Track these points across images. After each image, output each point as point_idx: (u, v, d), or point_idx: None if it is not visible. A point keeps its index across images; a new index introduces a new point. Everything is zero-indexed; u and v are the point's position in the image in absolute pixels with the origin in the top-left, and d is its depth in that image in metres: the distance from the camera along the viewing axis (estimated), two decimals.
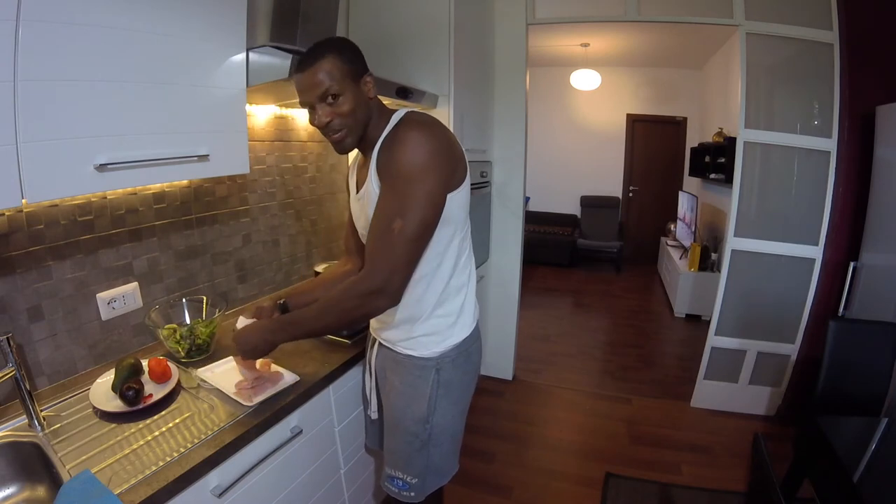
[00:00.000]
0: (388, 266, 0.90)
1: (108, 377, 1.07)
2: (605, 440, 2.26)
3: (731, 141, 3.36)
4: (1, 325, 0.97)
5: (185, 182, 1.34)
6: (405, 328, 1.07)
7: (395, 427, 1.13)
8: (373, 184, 0.97)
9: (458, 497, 1.82)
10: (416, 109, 1.02)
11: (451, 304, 1.06)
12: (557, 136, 5.78)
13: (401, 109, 1.01)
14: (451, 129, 1.92)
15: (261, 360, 1.15)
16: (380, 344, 1.17)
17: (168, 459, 0.84)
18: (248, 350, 1.01)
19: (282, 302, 1.20)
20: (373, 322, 1.17)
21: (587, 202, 5.82)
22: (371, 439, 1.36)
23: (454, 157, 0.96)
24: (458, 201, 0.99)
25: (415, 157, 0.89)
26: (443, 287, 1.04)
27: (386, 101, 1.60)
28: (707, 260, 3.91)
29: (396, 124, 0.97)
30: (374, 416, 1.26)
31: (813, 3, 2.02)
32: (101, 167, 0.87)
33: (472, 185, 2.16)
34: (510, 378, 2.82)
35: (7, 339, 0.88)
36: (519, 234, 2.61)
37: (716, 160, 4.02)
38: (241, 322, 1.11)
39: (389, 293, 0.92)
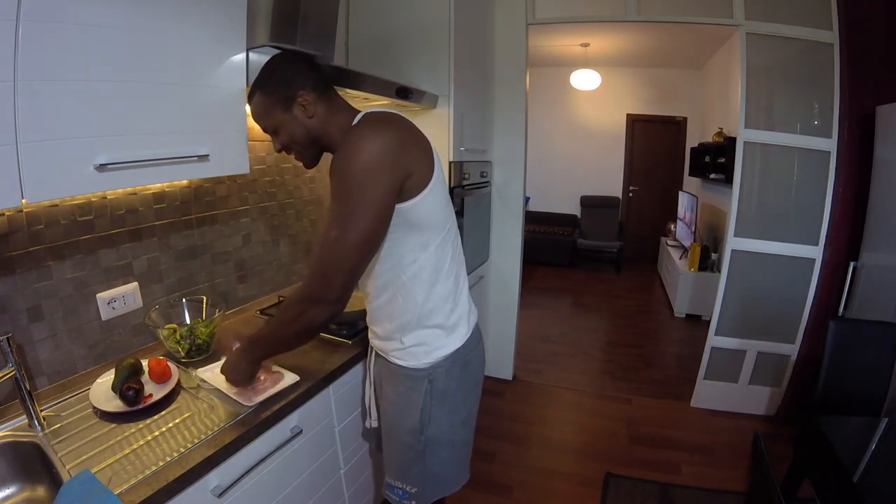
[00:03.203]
0: (324, 274, 0.88)
1: (108, 377, 1.07)
2: (605, 440, 2.26)
3: (731, 141, 3.36)
4: (1, 325, 0.97)
5: (185, 182, 1.34)
6: (396, 339, 1.04)
7: (390, 437, 1.11)
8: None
9: (458, 497, 1.81)
10: (376, 109, 0.98)
11: (440, 314, 1.02)
12: (557, 136, 5.78)
13: (365, 110, 0.97)
14: (451, 130, 1.94)
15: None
16: (376, 353, 1.15)
17: (168, 459, 0.84)
18: (239, 381, 1.04)
19: None
20: (369, 332, 1.15)
21: (587, 202, 5.82)
22: (374, 443, 1.35)
23: (407, 160, 0.89)
24: (426, 206, 0.93)
25: (354, 163, 0.85)
26: (424, 297, 0.99)
27: (385, 101, 1.60)
28: (707, 260, 3.91)
29: (352, 127, 0.94)
30: (374, 424, 1.24)
31: (813, 3, 2.02)
32: (101, 167, 0.87)
33: (472, 185, 2.20)
34: (510, 378, 2.82)
35: (7, 339, 0.88)
36: (519, 234, 2.61)
37: (716, 160, 4.03)
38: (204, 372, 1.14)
39: (327, 301, 0.89)
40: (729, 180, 2.83)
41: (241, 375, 1.03)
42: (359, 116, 0.95)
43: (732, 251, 2.28)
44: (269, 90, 0.94)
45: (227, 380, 1.05)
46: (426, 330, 1.02)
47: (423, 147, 0.95)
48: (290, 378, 1.12)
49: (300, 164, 1.07)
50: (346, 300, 0.90)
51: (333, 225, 0.86)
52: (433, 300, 1.00)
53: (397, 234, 0.94)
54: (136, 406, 0.98)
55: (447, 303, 1.02)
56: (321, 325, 0.93)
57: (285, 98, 0.93)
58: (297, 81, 0.93)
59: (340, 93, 1.04)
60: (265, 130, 1.00)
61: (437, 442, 1.06)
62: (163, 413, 1.00)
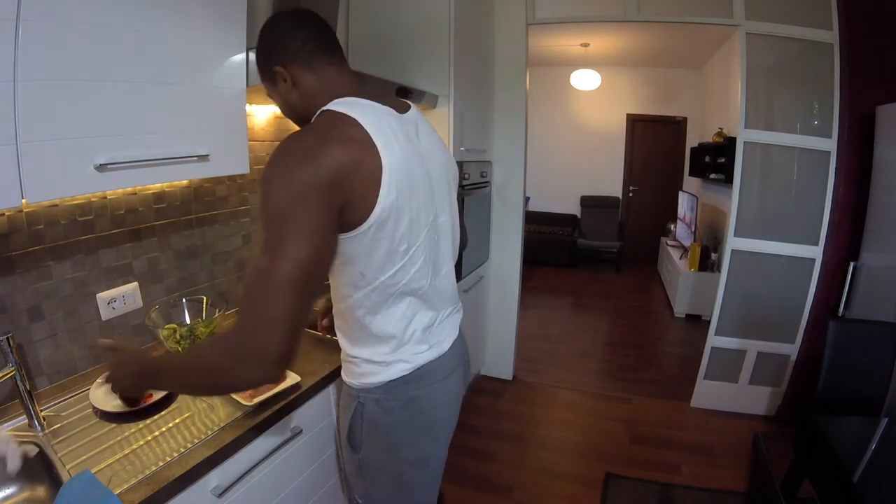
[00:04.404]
0: (255, 320, 0.65)
1: None
2: (605, 440, 2.26)
3: (731, 141, 3.36)
4: (1, 325, 0.96)
5: (185, 182, 1.33)
6: (344, 344, 0.94)
7: (340, 442, 1.06)
8: None
9: (458, 497, 1.82)
10: (332, 109, 0.78)
11: (379, 348, 0.88)
12: (557, 136, 5.78)
13: (332, 102, 0.80)
14: (451, 129, 1.94)
15: None
16: None
17: (168, 459, 0.84)
18: (115, 384, 0.85)
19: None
20: None
21: (587, 202, 5.82)
22: None
23: (345, 180, 0.71)
24: (360, 246, 0.77)
25: (278, 177, 0.69)
26: (361, 332, 0.88)
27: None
28: (707, 260, 3.91)
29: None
30: None
31: (813, 3, 2.02)
32: (101, 167, 0.87)
33: (472, 185, 2.20)
34: (510, 378, 2.82)
35: (7, 339, 0.88)
36: (519, 234, 2.61)
37: (716, 160, 4.03)
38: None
39: (261, 362, 0.65)
40: (729, 180, 2.83)
41: (121, 385, 0.84)
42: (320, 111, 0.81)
43: (732, 251, 2.28)
44: (258, 60, 0.87)
45: (107, 377, 0.85)
46: (363, 349, 0.90)
47: (372, 176, 0.74)
48: (290, 378, 1.12)
49: None
50: (288, 361, 0.67)
51: (262, 253, 0.68)
52: (369, 337, 0.88)
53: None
54: (136, 406, 0.98)
55: (387, 343, 0.87)
56: (245, 389, 0.75)
57: (268, 71, 0.85)
58: (276, 53, 0.82)
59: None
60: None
61: (376, 469, 0.96)
62: (163, 413, 1.00)
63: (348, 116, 0.76)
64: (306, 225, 0.67)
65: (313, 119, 0.80)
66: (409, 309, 0.88)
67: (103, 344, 0.90)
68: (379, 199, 0.74)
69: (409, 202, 0.79)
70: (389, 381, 0.88)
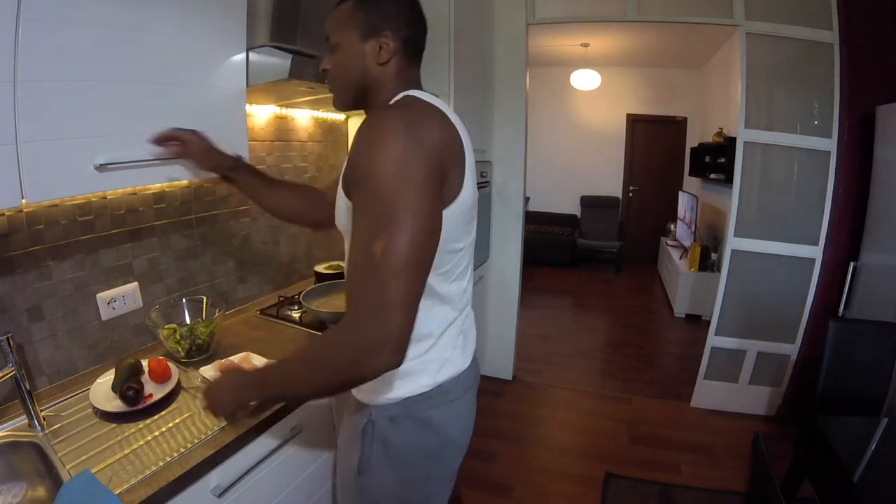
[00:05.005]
0: (376, 307, 0.62)
1: (108, 377, 1.07)
2: (605, 440, 2.26)
3: (731, 141, 3.36)
4: (1, 325, 0.97)
5: (185, 182, 1.33)
6: None
7: (338, 464, 0.97)
8: (344, 169, 0.76)
9: (458, 497, 1.82)
10: (420, 94, 0.80)
11: (413, 348, 0.76)
12: (557, 136, 5.78)
13: (410, 91, 0.81)
14: None
15: (241, 355, 1.17)
16: None
17: (168, 459, 0.85)
18: (217, 411, 0.80)
19: (238, 156, 1.08)
20: None
21: (587, 202, 5.82)
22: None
23: (444, 159, 0.70)
24: (447, 218, 0.73)
25: (382, 152, 0.65)
26: None
27: None
28: (707, 260, 3.91)
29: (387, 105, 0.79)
30: None
31: (813, 3, 2.02)
32: (101, 167, 0.87)
33: None
34: (510, 378, 2.82)
35: (7, 339, 0.87)
36: (519, 234, 2.61)
37: (716, 160, 4.03)
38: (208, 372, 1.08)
39: (389, 349, 0.62)
40: (729, 180, 2.83)
41: (223, 408, 0.78)
42: (400, 96, 0.81)
43: (732, 251, 2.28)
44: (366, 8, 0.79)
45: (206, 404, 0.80)
46: None
47: (457, 146, 0.75)
48: None
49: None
50: (407, 346, 0.64)
51: (374, 235, 0.63)
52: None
53: None
54: (136, 406, 0.98)
55: (421, 343, 0.81)
56: (370, 379, 0.67)
57: (370, 25, 0.79)
58: (395, 22, 0.80)
59: None
60: (326, 40, 0.84)
61: (380, 492, 0.87)
62: (163, 413, 1.00)
63: (433, 105, 0.77)
64: (416, 200, 0.65)
65: (396, 101, 0.79)
66: (450, 308, 0.84)
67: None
68: (464, 186, 0.75)
69: (474, 197, 0.80)
70: (408, 398, 0.82)
